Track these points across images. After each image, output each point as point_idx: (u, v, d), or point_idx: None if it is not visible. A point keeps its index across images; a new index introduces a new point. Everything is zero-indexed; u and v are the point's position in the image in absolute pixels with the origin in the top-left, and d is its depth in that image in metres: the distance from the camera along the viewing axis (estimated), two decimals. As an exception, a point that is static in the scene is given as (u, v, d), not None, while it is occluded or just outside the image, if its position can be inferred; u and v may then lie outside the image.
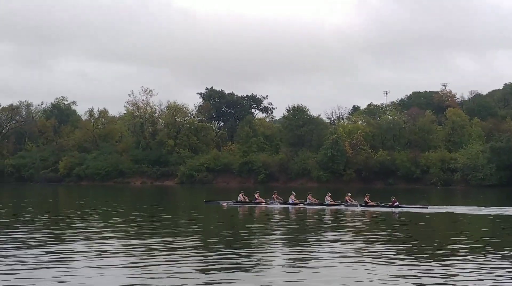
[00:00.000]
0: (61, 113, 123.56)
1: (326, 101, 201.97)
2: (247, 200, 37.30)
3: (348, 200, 35.13)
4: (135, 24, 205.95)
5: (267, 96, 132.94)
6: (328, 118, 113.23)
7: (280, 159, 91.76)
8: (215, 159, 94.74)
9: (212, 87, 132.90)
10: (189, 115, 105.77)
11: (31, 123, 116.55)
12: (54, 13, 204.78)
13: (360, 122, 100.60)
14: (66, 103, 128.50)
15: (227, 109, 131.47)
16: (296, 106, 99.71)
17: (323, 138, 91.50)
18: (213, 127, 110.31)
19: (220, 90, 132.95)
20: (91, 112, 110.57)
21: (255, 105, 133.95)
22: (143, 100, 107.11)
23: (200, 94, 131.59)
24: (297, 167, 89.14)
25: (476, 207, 33.56)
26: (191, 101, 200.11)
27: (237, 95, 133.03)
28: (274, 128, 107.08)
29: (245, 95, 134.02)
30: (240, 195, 37.79)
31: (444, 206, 34.09)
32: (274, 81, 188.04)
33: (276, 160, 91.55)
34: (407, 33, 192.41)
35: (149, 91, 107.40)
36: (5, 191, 70.06)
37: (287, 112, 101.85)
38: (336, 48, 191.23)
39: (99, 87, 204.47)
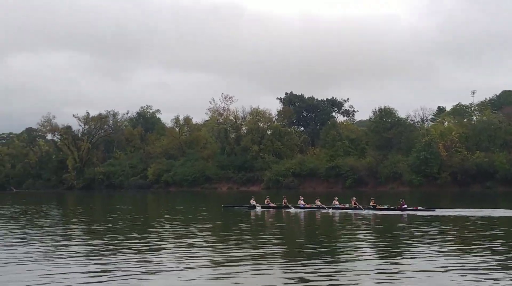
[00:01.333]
0: (146, 121, 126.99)
1: (403, 104, 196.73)
2: (255, 204, 39.02)
3: (352, 204, 35.69)
4: (209, 32, 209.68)
5: (348, 99, 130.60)
6: (411, 120, 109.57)
7: (368, 163, 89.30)
8: (301, 164, 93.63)
9: (291, 92, 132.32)
10: (273, 120, 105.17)
11: (119, 131, 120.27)
12: (131, 25, 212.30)
13: (446, 123, 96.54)
14: (150, 111, 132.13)
15: (307, 114, 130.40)
16: (383, 108, 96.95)
17: (413, 140, 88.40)
18: (296, 131, 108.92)
19: (300, 94, 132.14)
20: (176, 119, 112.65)
21: (336, 109, 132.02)
22: (223, 107, 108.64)
23: (280, 99, 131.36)
24: (387, 171, 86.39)
25: None
26: (268, 106, 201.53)
27: (317, 99, 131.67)
28: (360, 131, 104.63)
29: (325, 99, 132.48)
30: (252, 200, 40.11)
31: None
32: (349, 84, 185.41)
33: (364, 164, 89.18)
34: (480, 34, 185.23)
35: (229, 98, 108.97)
36: (102, 198, 72.17)
37: (374, 114, 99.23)
38: (411, 50, 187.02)
39: (177, 96, 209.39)
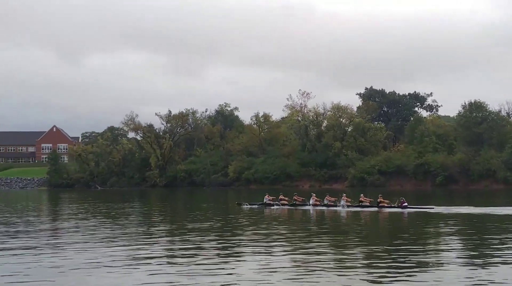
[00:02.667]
0: (225, 119, 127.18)
1: (487, 97, 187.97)
2: (271, 201, 40.92)
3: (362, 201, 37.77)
4: (282, 30, 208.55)
5: (431, 93, 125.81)
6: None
7: (459, 159, 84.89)
8: (387, 161, 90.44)
9: (371, 87, 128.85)
10: (355, 115, 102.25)
11: (198, 129, 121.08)
12: (205, 24, 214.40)
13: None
14: (229, 109, 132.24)
15: (388, 109, 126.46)
16: (473, 101, 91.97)
17: (506, 135, 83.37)
18: (380, 127, 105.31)
19: (381, 89, 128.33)
20: (256, 116, 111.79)
21: (418, 103, 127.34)
22: (301, 103, 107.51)
23: (359, 94, 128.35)
24: (479, 168, 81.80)
25: None
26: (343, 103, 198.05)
27: (398, 93, 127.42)
28: (447, 126, 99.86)
29: (407, 94, 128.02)
30: (266, 196, 41.85)
31: None
32: (430, 79, 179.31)
33: (455, 161, 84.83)
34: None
35: (307, 94, 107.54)
36: (185, 195, 72.37)
37: (463, 108, 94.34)
38: (486, 42, 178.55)
39: (251, 94, 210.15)
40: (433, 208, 33.75)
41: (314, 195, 40.19)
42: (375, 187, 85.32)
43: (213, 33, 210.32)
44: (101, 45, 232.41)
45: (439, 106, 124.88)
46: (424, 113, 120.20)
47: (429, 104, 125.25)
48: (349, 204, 37.95)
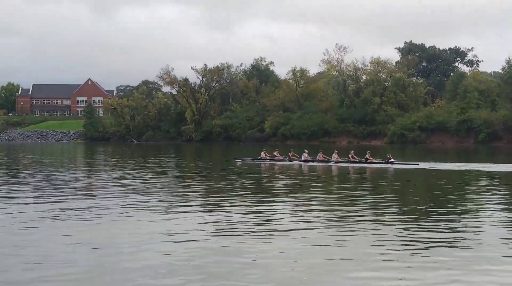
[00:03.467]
0: (260, 73, 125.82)
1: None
2: (268, 158, 41.06)
3: (351, 158, 37.65)
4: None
5: (472, 48, 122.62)
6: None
7: (503, 116, 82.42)
8: (428, 117, 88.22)
9: (411, 41, 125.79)
10: (395, 70, 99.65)
11: (234, 84, 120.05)
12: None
13: None
14: (264, 63, 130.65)
15: (427, 64, 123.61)
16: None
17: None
18: (421, 82, 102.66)
19: (420, 43, 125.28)
20: (293, 71, 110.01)
21: (459, 59, 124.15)
22: (337, 58, 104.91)
23: (398, 49, 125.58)
24: (525, 125, 79.40)
25: None
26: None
27: (438, 48, 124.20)
28: (490, 82, 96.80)
29: (447, 48, 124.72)
30: (263, 153, 41.87)
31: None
32: (470, 34, 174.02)
33: (499, 118, 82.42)
34: None
35: (344, 49, 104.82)
36: (221, 150, 72.14)
37: (507, 63, 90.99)
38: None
39: (284, 48, 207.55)
40: (418, 164, 34.51)
41: (307, 151, 40.55)
42: (416, 144, 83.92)
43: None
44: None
45: (480, 62, 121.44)
46: (465, 69, 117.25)
47: (469, 59, 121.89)
48: (340, 160, 38.23)
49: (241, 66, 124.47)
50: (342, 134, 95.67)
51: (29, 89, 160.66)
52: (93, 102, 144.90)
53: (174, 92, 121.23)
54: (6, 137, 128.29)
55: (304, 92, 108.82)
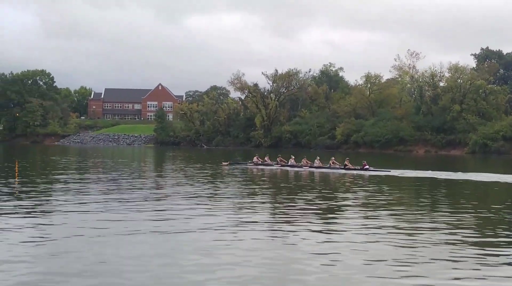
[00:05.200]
0: (330, 79, 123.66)
1: None
2: (260, 162, 42.60)
3: (331, 164, 39.83)
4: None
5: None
6: None
7: None
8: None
9: (487, 47, 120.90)
10: (476, 77, 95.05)
11: (303, 90, 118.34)
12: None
13: None
14: (333, 69, 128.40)
15: (504, 72, 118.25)
16: None
17: None
18: (502, 89, 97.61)
19: (498, 50, 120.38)
20: (367, 76, 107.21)
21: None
22: (409, 64, 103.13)
23: (474, 55, 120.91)
24: None
25: None
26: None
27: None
28: None
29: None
30: (255, 158, 43.43)
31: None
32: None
33: None
34: None
35: (416, 55, 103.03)
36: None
37: None
38: None
39: (347, 55, 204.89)
40: (389, 171, 36.81)
41: (280, 156, 43.96)
42: (499, 154, 79.38)
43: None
44: (199, 6, 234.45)
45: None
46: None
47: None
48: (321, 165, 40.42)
49: (309, 72, 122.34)
50: (418, 142, 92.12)
51: (101, 93, 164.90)
52: (164, 106, 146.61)
53: (243, 97, 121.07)
54: (79, 140, 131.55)
55: (377, 98, 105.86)
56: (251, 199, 21.85)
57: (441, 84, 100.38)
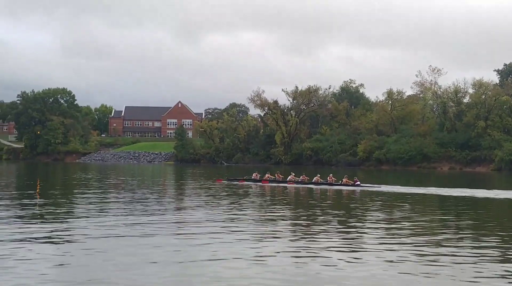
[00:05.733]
0: (350, 96, 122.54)
1: None
2: (258, 178, 44.13)
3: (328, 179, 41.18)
4: (397, 8, 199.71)
5: None
6: None
7: None
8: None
9: (511, 63, 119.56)
10: (500, 92, 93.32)
11: (323, 106, 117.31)
12: (316, 2, 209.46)
13: None
14: (354, 85, 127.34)
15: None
16: None
17: None
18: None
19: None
20: (389, 93, 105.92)
21: None
22: (431, 80, 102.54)
23: (497, 71, 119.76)
24: None
25: None
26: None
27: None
28: None
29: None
30: (254, 174, 45.42)
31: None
32: None
33: None
34: None
35: (438, 71, 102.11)
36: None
37: None
38: None
39: (364, 72, 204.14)
40: (380, 186, 38.45)
41: (278, 172, 46.69)
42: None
43: (326, 12, 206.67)
44: (218, 25, 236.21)
45: None
46: None
47: None
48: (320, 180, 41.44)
49: (329, 88, 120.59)
50: (443, 159, 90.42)
51: (122, 111, 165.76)
52: (183, 124, 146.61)
53: (262, 114, 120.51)
54: (100, 158, 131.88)
55: (400, 114, 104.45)
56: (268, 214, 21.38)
57: (465, 100, 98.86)
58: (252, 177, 44.50)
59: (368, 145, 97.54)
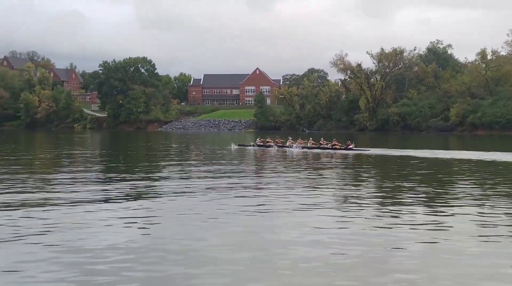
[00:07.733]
0: (438, 57, 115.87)
1: None
2: (262, 144, 45.84)
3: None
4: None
5: None
6: None
7: None
8: None
9: None
10: None
11: (409, 69, 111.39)
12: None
13: None
14: (441, 46, 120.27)
15: None
16: None
17: None
18: None
19: None
20: (482, 53, 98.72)
21: None
22: None
23: None
24: None
25: None
26: None
27: None
28: None
29: None
30: (258, 139, 48.40)
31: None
32: None
33: None
34: None
35: None
36: (399, 140, 65.18)
37: None
38: None
39: (442, 33, 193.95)
40: (369, 150, 39.81)
41: (290, 138, 46.36)
42: None
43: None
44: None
45: None
46: None
47: None
48: (303, 145, 43.32)
49: (414, 50, 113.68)
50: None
51: (200, 79, 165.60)
52: (261, 91, 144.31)
53: (344, 79, 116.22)
54: (181, 126, 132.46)
55: (495, 76, 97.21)
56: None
57: None
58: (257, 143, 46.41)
59: (461, 109, 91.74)
